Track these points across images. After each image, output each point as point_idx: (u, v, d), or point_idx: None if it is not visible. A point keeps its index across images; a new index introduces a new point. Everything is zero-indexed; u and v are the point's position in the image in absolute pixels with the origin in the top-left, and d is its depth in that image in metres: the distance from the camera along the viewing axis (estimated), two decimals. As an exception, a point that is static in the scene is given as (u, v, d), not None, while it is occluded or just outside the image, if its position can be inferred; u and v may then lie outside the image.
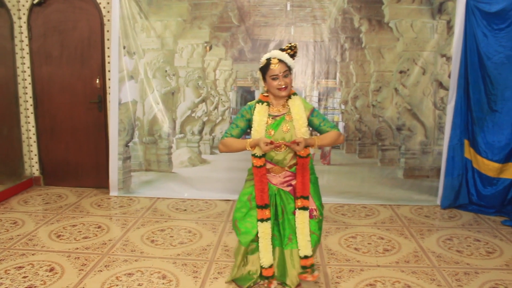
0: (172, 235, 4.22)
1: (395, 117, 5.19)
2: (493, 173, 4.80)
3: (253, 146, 2.91)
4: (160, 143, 5.42)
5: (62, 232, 4.25)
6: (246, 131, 3.05)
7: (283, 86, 2.86)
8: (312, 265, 3.01)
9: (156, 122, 5.37)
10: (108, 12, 5.16)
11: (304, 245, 2.96)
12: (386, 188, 5.27)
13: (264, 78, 2.93)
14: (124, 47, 5.15)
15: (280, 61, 2.85)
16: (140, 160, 5.42)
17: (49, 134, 5.62)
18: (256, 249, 3.04)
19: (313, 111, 2.98)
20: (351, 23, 5.10)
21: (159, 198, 5.32)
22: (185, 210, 4.95)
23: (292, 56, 2.93)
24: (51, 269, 3.46)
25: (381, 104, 5.20)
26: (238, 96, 5.41)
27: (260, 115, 2.91)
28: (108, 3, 5.16)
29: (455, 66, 4.88)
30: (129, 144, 5.37)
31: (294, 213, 2.99)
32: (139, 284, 3.25)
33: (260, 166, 2.95)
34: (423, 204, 5.15)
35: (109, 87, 5.25)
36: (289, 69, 2.88)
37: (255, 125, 2.90)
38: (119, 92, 5.21)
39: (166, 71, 5.28)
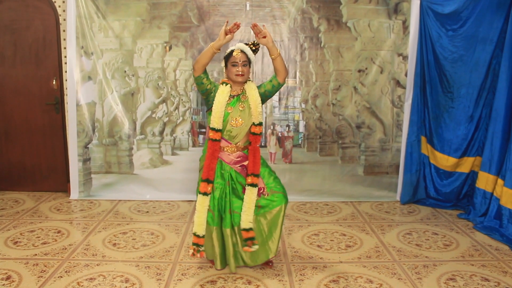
0: (135, 237, 4.16)
1: (355, 115, 5.28)
2: (450, 167, 4.96)
3: (218, 47, 3.11)
4: (120, 145, 5.33)
5: (19, 238, 4.12)
6: (207, 88, 3.22)
7: (240, 73, 3.19)
8: (253, 238, 3.21)
9: (116, 124, 5.28)
10: (64, 11, 5.03)
11: (245, 219, 3.20)
12: (347, 185, 5.36)
13: (226, 66, 3.27)
14: (81, 47, 5.04)
15: (242, 52, 3.21)
16: (100, 162, 5.32)
17: (3, 138, 5.43)
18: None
19: (260, 86, 3.34)
20: (310, 23, 5.16)
21: (120, 200, 5.24)
22: (147, 212, 4.89)
23: (254, 51, 3.28)
24: (8, 278, 3.34)
25: (341, 103, 5.28)
26: (198, 96, 5.38)
27: (222, 95, 3.19)
28: (63, 1, 5.03)
29: (411, 65, 5.02)
30: (88, 146, 5.25)
31: (243, 192, 3.26)
32: (101, 289, 3.19)
33: (215, 140, 3.20)
34: (383, 200, 5.27)
35: (67, 88, 5.12)
36: (248, 61, 3.23)
37: (216, 103, 3.17)
38: (77, 93, 5.09)
39: (125, 71, 5.20)
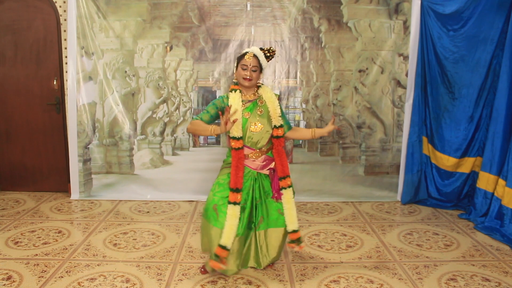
0: (135, 238, 4.16)
1: (355, 115, 5.28)
2: (451, 167, 4.96)
3: (216, 133, 3.00)
4: (121, 145, 5.33)
5: (20, 238, 4.12)
6: (216, 119, 3.17)
7: (248, 78, 3.10)
8: (299, 238, 3.24)
9: (116, 124, 5.28)
10: (65, 11, 5.03)
11: (291, 221, 3.20)
12: (347, 185, 5.36)
13: (236, 66, 3.17)
14: (82, 47, 5.04)
15: (255, 56, 3.12)
16: (101, 162, 5.32)
17: (4, 138, 5.44)
18: None
19: (278, 99, 3.27)
20: (311, 23, 5.16)
21: (121, 200, 5.24)
22: (148, 212, 4.89)
23: (267, 57, 3.18)
24: (8, 278, 3.35)
25: (341, 103, 5.28)
26: (199, 96, 5.39)
27: (235, 100, 3.11)
28: (64, 2, 5.04)
29: (412, 65, 5.02)
30: (89, 146, 5.26)
31: (273, 196, 3.23)
32: (102, 289, 3.20)
33: (238, 148, 3.11)
34: (384, 200, 5.27)
35: (67, 88, 5.13)
36: (260, 66, 3.14)
37: (232, 109, 3.02)
38: (78, 93, 5.09)
39: (125, 71, 5.20)
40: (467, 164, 4.90)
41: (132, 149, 5.36)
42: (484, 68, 4.65)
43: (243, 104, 3.15)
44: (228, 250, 3.06)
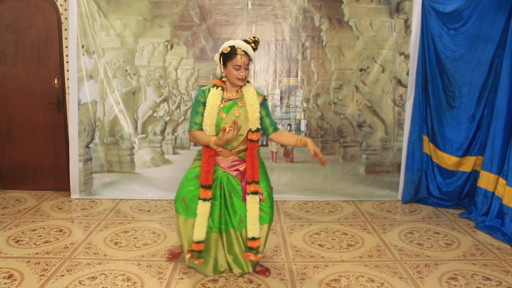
0: (136, 236, 4.16)
1: (356, 114, 5.28)
2: (452, 166, 4.96)
3: (218, 145, 3.03)
4: (121, 144, 5.33)
5: (21, 237, 4.12)
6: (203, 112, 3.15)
7: (243, 78, 3.01)
8: (257, 247, 3.15)
9: (117, 123, 5.29)
10: (66, 10, 5.03)
11: (251, 228, 3.12)
12: (348, 184, 5.36)
13: (225, 65, 3.02)
14: (83, 46, 5.04)
15: (245, 53, 2.98)
16: (101, 161, 5.32)
17: (5, 136, 5.44)
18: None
19: (264, 100, 3.16)
20: (312, 22, 5.16)
21: (122, 199, 5.24)
22: (148, 211, 4.89)
23: (254, 49, 3.05)
24: (10, 276, 3.35)
25: (342, 102, 5.28)
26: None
27: (213, 99, 3.05)
28: (65, 0, 5.04)
29: (413, 64, 5.01)
30: (90, 145, 5.26)
31: (244, 199, 3.16)
32: (103, 287, 3.20)
33: (208, 146, 3.09)
34: (385, 199, 5.27)
35: (68, 87, 5.13)
36: (250, 62, 3.04)
37: (208, 108, 3.04)
38: (79, 92, 5.09)
39: (126, 70, 5.20)
40: (469, 163, 4.90)
41: (132, 148, 5.36)
42: (486, 67, 4.65)
43: (222, 102, 3.07)
44: (202, 243, 3.16)
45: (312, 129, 5.37)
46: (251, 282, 3.27)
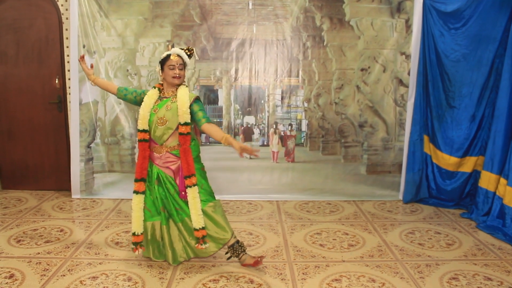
0: (137, 236, 4.16)
1: (357, 114, 5.28)
2: (452, 167, 4.95)
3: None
4: (122, 144, 5.33)
5: (22, 237, 4.13)
6: (132, 98, 3.51)
7: (178, 76, 3.33)
8: (204, 236, 3.30)
9: (118, 123, 5.29)
10: (67, 10, 5.04)
11: (195, 219, 3.28)
12: (349, 184, 5.36)
13: (162, 69, 3.37)
14: (84, 46, 5.04)
15: (179, 56, 3.35)
16: (102, 161, 5.32)
17: (6, 136, 5.44)
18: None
19: (195, 99, 3.35)
20: (313, 22, 5.15)
21: (123, 199, 5.24)
22: (149, 211, 4.88)
23: (189, 56, 3.42)
24: (11, 276, 3.35)
25: (344, 102, 5.27)
26: (201, 95, 5.38)
27: (149, 98, 3.37)
28: (66, 0, 5.04)
29: (414, 64, 5.01)
30: (91, 145, 5.26)
31: (180, 195, 3.33)
32: (104, 287, 3.20)
33: (142, 140, 3.35)
34: (386, 199, 5.26)
35: (69, 87, 5.13)
36: (184, 64, 3.38)
37: (143, 105, 3.35)
38: (80, 92, 5.10)
39: (127, 70, 5.21)
40: (469, 164, 4.89)
41: (133, 147, 5.36)
42: (487, 67, 4.64)
43: (158, 100, 3.37)
44: (140, 235, 3.44)
45: (313, 129, 5.37)
46: (252, 281, 3.27)
